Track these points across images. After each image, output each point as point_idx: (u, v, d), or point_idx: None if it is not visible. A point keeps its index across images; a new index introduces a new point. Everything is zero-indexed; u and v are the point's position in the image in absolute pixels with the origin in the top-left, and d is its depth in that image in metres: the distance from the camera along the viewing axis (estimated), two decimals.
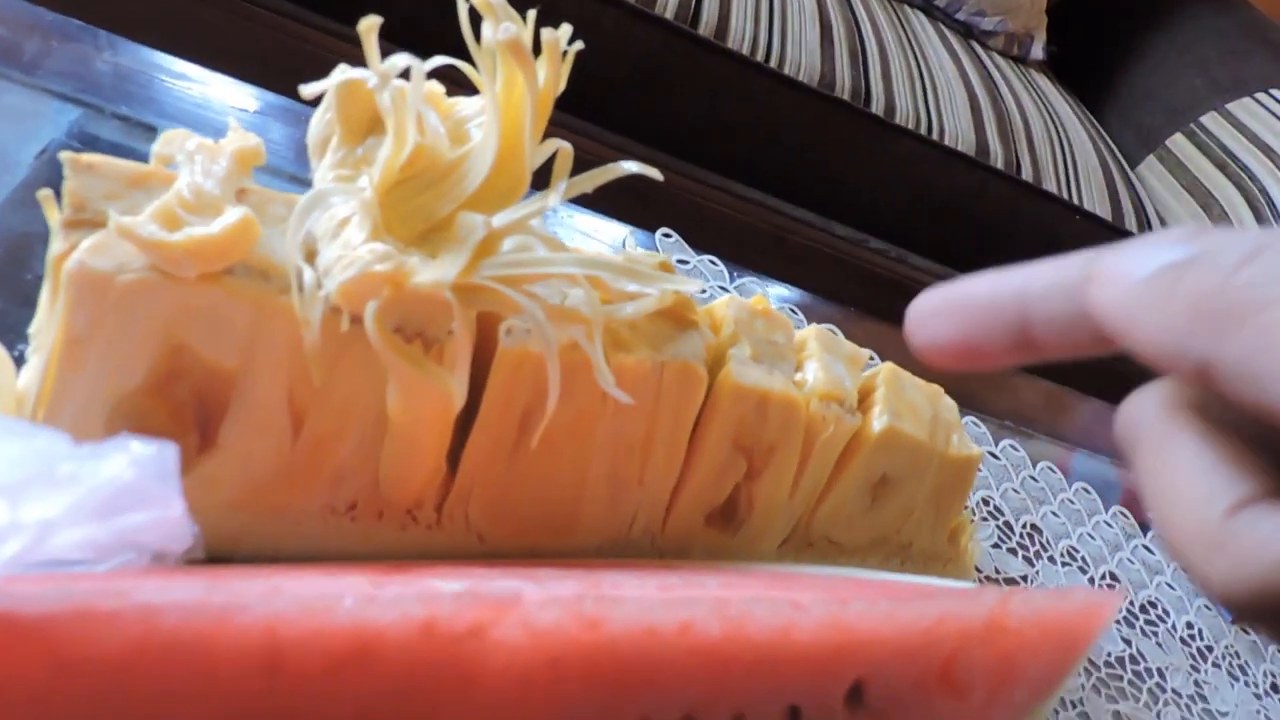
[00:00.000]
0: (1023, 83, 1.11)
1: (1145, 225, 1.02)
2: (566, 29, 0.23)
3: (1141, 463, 0.16)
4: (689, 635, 0.15)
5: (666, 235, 0.45)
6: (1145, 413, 0.16)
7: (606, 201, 0.40)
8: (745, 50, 0.84)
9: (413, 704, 0.14)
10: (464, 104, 0.24)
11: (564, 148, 0.23)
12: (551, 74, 0.22)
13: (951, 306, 0.18)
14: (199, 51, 0.40)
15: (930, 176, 0.90)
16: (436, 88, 0.24)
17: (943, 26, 1.13)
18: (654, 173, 0.24)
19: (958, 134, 0.92)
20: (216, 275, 0.21)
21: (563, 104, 0.24)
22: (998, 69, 1.10)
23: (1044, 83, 1.17)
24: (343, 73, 0.23)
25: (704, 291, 0.44)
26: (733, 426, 0.27)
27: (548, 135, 0.23)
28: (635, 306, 0.24)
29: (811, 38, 0.89)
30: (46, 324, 0.22)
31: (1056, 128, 1.04)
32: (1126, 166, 1.12)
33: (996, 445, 0.46)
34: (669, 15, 0.81)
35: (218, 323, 0.21)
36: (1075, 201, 0.96)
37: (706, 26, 0.83)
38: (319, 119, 0.24)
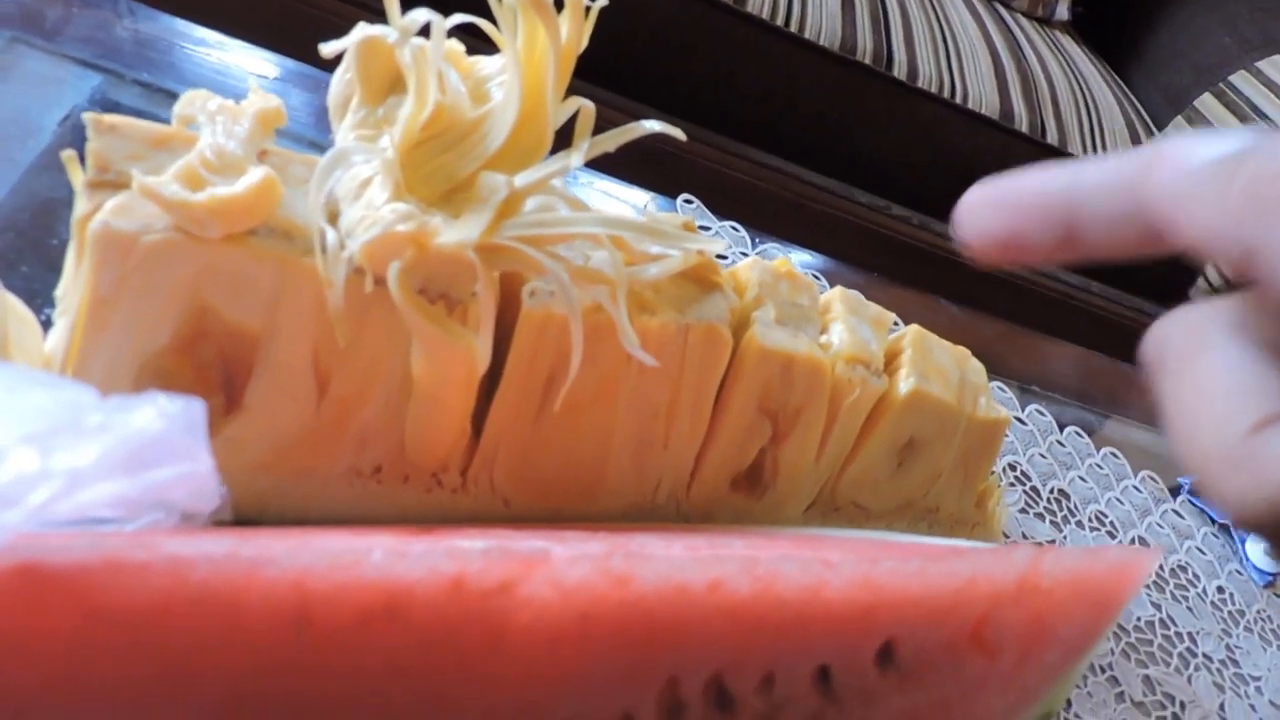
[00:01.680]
0: (1048, 44, 1.09)
1: None
2: None
3: (1166, 380, 0.15)
4: (718, 593, 0.15)
5: (688, 201, 0.45)
6: (1175, 331, 0.16)
7: (628, 168, 0.40)
8: (765, 14, 0.83)
9: (441, 659, 0.14)
10: (485, 63, 0.24)
11: (586, 106, 0.23)
12: (574, 30, 0.22)
13: (1001, 199, 0.18)
14: (219, 18, 0.40)
15: (953, 141, 0.89)
16: (457, 46, 0.23)
17: None
18: (676, 132, 0.24)
19: (981, 97, 0.90)
20: (240, 236, 0.21)
21: (580, 69, 0.23)
22: (1022, 31, 1.08)
23: (1069, 44, 1.15)
24: (362, 31, 0.22)
25: (725, 257, 0.43)
26: (758, 390, 0.27)
27: (567, 96, 0.23)
28: (659, 267, 0.24)
29: (833, 1, 0.87)
30: (72, 286, 0.22)
31: (1082, 90, 1.02)
32: (1154, 128, 1.09)
33: (1023, 410, 0.45)
34: None
35: (242, 284, 0.20)
36: None
37: None
38: (339, 79, 0.24)
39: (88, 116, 0.21)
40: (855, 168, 0.88)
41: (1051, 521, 0.41)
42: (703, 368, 0.26)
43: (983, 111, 0.90)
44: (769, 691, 0.17)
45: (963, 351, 0.32)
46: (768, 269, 0.28)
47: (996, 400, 0.42)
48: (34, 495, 0.11)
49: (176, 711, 0.12)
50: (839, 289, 0.30)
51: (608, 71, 0.81)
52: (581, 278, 0.22)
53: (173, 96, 0.35)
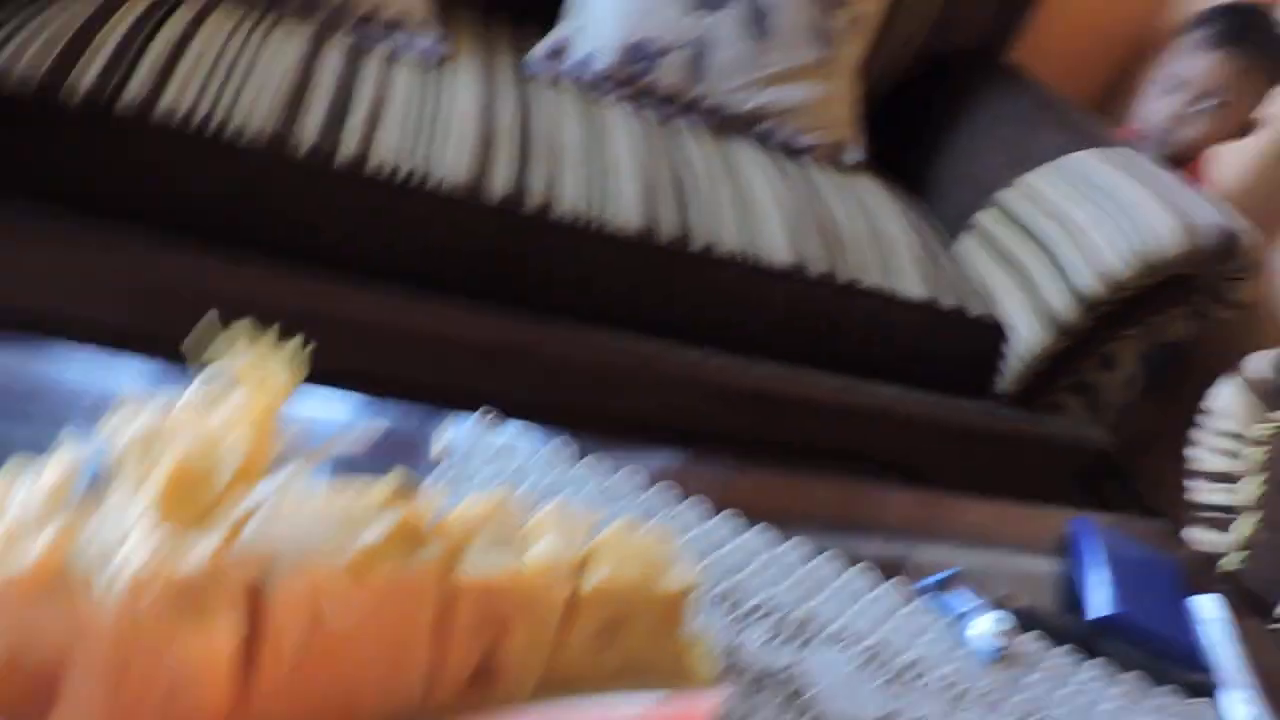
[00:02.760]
0: (841, 190, 1.24)
1: (964, 299, 1.14)
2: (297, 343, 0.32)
3: None
4: None
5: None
6: None
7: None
8: (571, 219, 0.96)
9: None
10: (220, 414, 0.33)
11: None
12: (291, 382, 0.31)
13: None
14: None
15: (754, 296, 1.02)
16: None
17: (764, 151, 1.26)
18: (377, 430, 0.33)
19: (775, 251, 1.04)
20: (35, 598, 0.29)
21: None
22: (819, 179, 1.24)
23: (866, 183, 1.31)
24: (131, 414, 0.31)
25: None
26: (472, 612, 0.35)
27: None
28: (372, 535, 0.32)
29: (631, 192, 1.01)
30: None
31: (870, 225, 1.17)
32: (943, 248, 1.25)
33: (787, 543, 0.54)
34: (496, 200, 0.93)
35: (39, 635, 0.29)
36: (892, 289, 1.08)
37: (533, 199, 0.95)
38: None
39: None
40: (668, 332, 1.00)
41: (800, 643, 0.50)
42: (414, 612, 0.34)
43: (776, 264, 1.03)
44: None
45: (663, 533, 0.41)
46: (479, 508, 0.38)
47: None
48: None
49: None
50: (553, 505, 0.39)
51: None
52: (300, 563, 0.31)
53: None
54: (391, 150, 0.93)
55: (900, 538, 0.62)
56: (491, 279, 0.96)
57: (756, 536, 0.55)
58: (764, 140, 1.29)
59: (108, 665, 0.29)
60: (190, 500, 0.31)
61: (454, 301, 0.94)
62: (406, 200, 0.92)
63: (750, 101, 1.26)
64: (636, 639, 0.39)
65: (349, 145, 0.92)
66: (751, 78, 1.25)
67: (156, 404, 0.32)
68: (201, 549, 0.30)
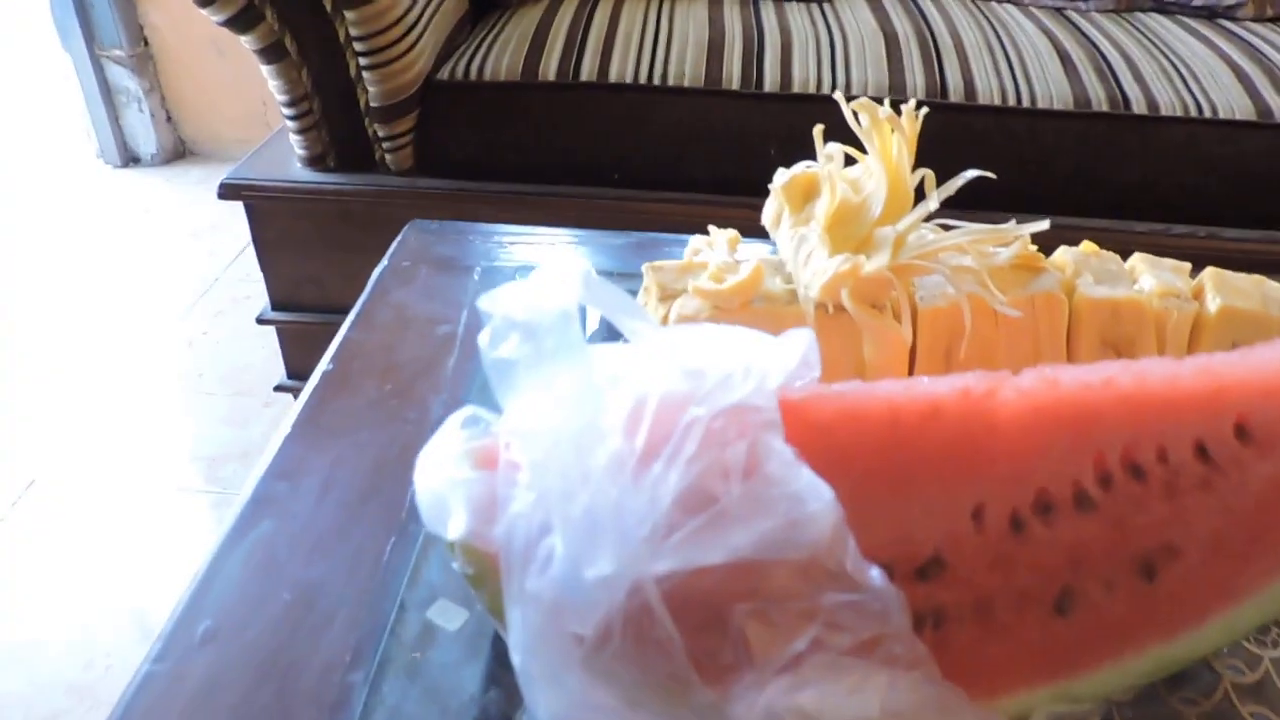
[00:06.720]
0: None
1: None
2: (913, 102, 0.36)
3: None
4: (1111, 386, 0.26)
5: None
6: None
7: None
8: (997, 101, 0.94)
9: (965, 439, 0.26)
10: (855, 168, 0.38)
11: (928, 173, 0.36)
12: (910, 129, 0.36)
13: None
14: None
15: (1207, 151, 0.93)
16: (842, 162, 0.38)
17: (1183, 18, 1.15)
18: (988, 174, 0.36)
19: (1231, 106, 0.95)
20: (747, 304, 0.36)
21: None
22: (1253, 34, 1.11)
23: None
24: (784, 174, 0.37)
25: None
26: (1096, 332, 0.37)
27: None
28: (1006, 253, 0.36)
29: (1055, 70, 0.97)
30: None
31: None
32: None
33: None
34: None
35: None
36: None
37: (956, 93, 0.95)
38: (768, 207, 0.39)
39: (649, 268, 0.38)
40: (1120, 205, 0.94)
41: None
42: (1050, 324, 0.37)
43: (1235, 117, 0.94)
44: (1165, 462, 0.27)
45: (1258, 277, 0.40)
46: (1078, 251, 0.39)
47: None
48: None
49: (833, 482, 0.25)
50: (1137, 254, 0.40)
51: None
52: (957, 271, 0.35)
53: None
54: (811, 74, 0.99)
55: None
56: None
57: None
58: (1183, 8, 1.17)
59: None
60: (851, 233, 0.36)
61: None
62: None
63: None
64: None
65: (771, 76, 0.98)
66: None
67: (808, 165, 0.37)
68: (876, 260, 0.34)
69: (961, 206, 0.35)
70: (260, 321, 1.09)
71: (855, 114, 0.36)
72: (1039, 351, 0.37)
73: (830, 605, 0.21)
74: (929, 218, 0.36)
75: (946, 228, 0.36)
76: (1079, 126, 0.94)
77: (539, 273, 0.23)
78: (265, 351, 1.34)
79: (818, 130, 0.36)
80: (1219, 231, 0.95)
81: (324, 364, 0.47)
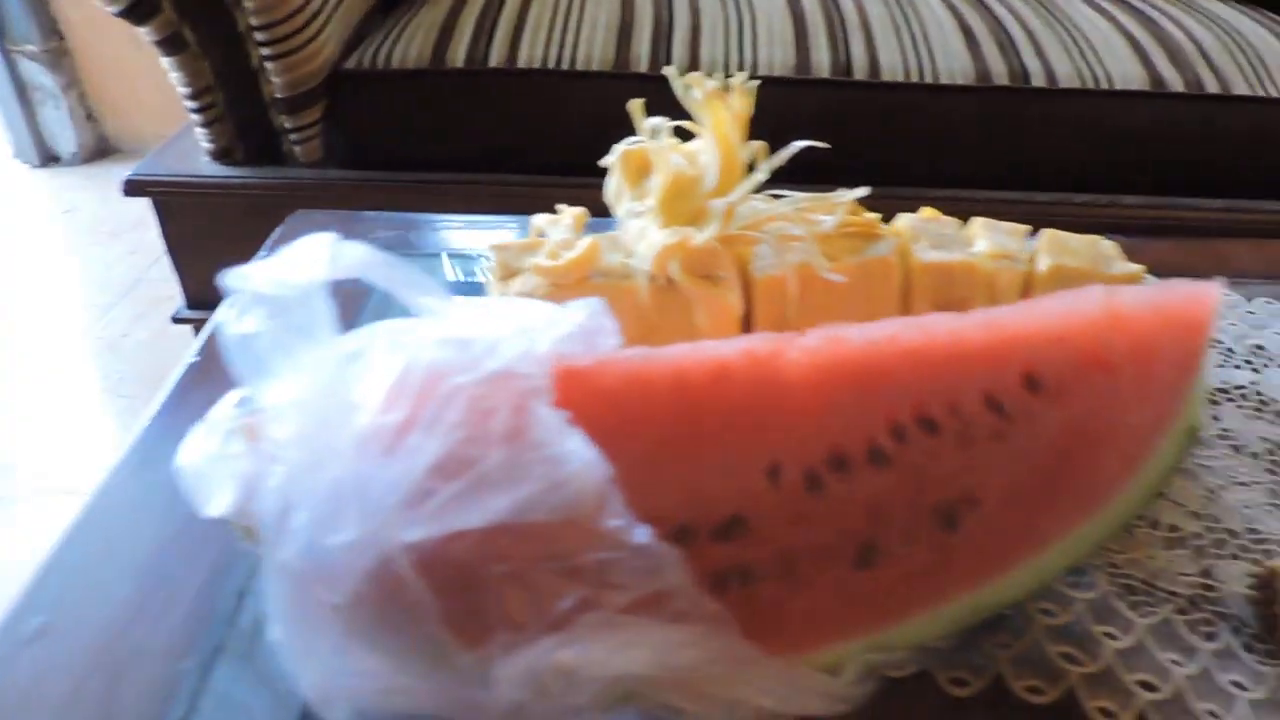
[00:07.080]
0: (1185, 8, 1.13)
1: None
2: (744, 74, 0.37)
3: None
4: (897, 342, 0.27)
5: None
6: None
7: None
8: (900, 77, 0.96)
9: (751, 406, 0.26)
10: (691, 143, 0.39)
11: (760, 145, 0.37)
12: (743, 104, 0.36)
13: None
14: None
15: (1105, 121, 0.95)
16: (672, 139, 0.38)
17: None
18: (820, 144, 0.37)
19: (1127, 77, 0.97)
20: (583, 280, 0.36)
21: None
22: (1153, 6, 1.13)
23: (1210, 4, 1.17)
24: (620, 148, 0.38)
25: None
26: (930, 295, 0.38)
27: None
28: (831, 221, 0.36)
29: (958, 45, 0.99)
30: None
31: (1232, 36, 1.05)
32: None
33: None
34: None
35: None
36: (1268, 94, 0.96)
37: (861, 70, 0.96)
38: (609, 183, 0.39)
39: (491, 247, 0.38)
40: (1021, 175, 0.96)
41: (1251, 368, 0.47)
42: (884, 288, 0.38)
43: (1130, 87, 0.96)
44: (958, 415, 0.28)
45: (1092, 238, 0.42)
46: (916, 218, 0.40)
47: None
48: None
49: (622, 447, 0.26)
50: (976, 218, 0.41)
51: None
52: (784, 240, 0.35)
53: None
54: (719, 55, 0.99)
55: None
56: None
57: None
58: None
59: (645, 326, 0.36)
60: (684, 207, 0.37)
61: None
62: None
63: None
64: None
65: (679, 57, 0.99)
66: None
67: (641, 137, 0.38)
68: (705, 232, 0.35)
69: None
70: (176, 320, 1.07)
71: (688, 88, 0.37)
72: (872, 315, 0.38)
73: (594, 564, 0.21)
74: (760, 188, 0.36)
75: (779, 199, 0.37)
76: (980, 100, 0.96)
77: (291, 248, 0.23)
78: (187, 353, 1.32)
79: (635, 105, 0.37)
80: (1119, 199, 0.97)
81: (189, 356, 0.46)
